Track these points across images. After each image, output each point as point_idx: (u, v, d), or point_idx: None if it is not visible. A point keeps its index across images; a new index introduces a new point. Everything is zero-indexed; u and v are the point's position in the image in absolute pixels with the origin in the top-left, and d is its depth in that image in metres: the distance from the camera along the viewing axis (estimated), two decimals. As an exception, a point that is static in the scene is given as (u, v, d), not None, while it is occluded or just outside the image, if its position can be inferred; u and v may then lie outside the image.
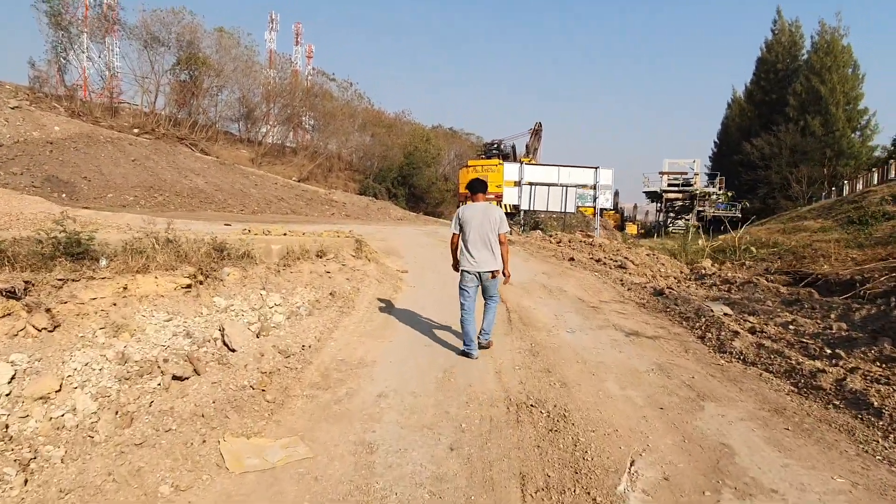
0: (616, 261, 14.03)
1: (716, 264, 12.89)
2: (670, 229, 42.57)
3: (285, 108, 49.74)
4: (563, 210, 24.48)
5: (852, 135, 47.01)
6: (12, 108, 32.17)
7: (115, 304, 5.36)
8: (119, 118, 42.34)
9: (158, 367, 4.59)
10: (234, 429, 3.98)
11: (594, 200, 25.99)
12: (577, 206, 25.59)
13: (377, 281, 9.48)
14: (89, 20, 43.25)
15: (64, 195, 27.00)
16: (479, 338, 6.00)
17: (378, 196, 46.91)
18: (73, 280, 5.40)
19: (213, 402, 4.35)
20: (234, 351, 5.34)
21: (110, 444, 3.63)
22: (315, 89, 52.77)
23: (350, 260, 9.49)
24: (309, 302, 7.27)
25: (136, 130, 40.03)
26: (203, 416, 4.13)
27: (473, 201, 5.91)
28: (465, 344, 5.90)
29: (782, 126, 47.16)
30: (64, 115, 37.73)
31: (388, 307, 8.12)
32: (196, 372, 4.76)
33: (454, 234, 5.89)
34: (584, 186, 25.31)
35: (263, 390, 4.63)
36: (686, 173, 42.47)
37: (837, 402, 4.63)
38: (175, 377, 4.58)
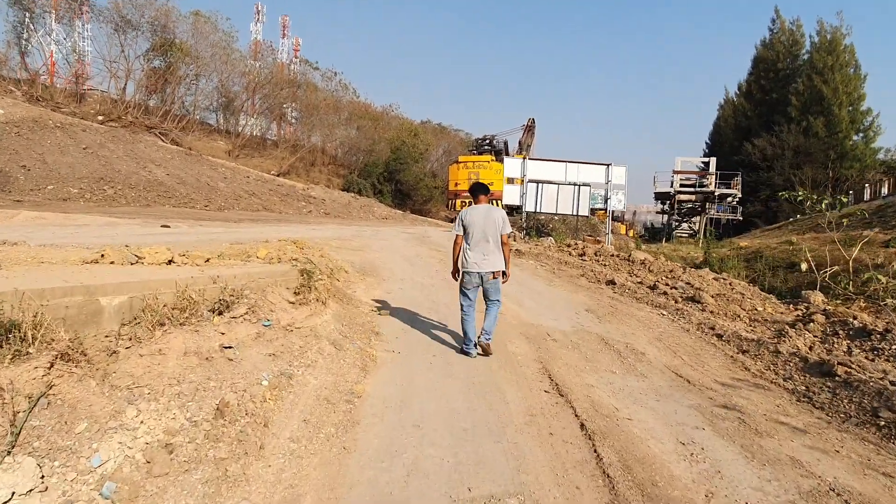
0: (677, 287, 9.77)
1: (829, 299, 8.67)
2: (675, 233, 38.53)
3: (266, 98, 44.79)
4: (574, 213, 20.11)
5: (855, 136, 43.30)
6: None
7: None
8: (85, 105, 37.46)
9: None
10: None
11: (605, 202, 21.70)
12: (591, 209, 21.26)
13: (334, 348, 5.08)
14: (58, 0, 38.43)
15: (-5, 186, 22.20)
16: (479, 338, 5.57)
17: (363, 192, 42.23)
18: None
19: None
20: None
21: None
22: (297, 79, 47.81)
23: (285, 309, 5.06)
24: (142, 452, 2.87)
25: (100, 118, 35.09)
26: None
27: (476, 203, 5.67)
28: (464, 344, 5.61)
29: (784, 126, 43.30)
30: (21, 99, 32.85)
31: (340, 433, 3.74)
32: None
33: (458, 235, 5.60)
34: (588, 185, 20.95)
35: None
36: (702, 173, 37.89)
37: None
38: None
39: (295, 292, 5.49)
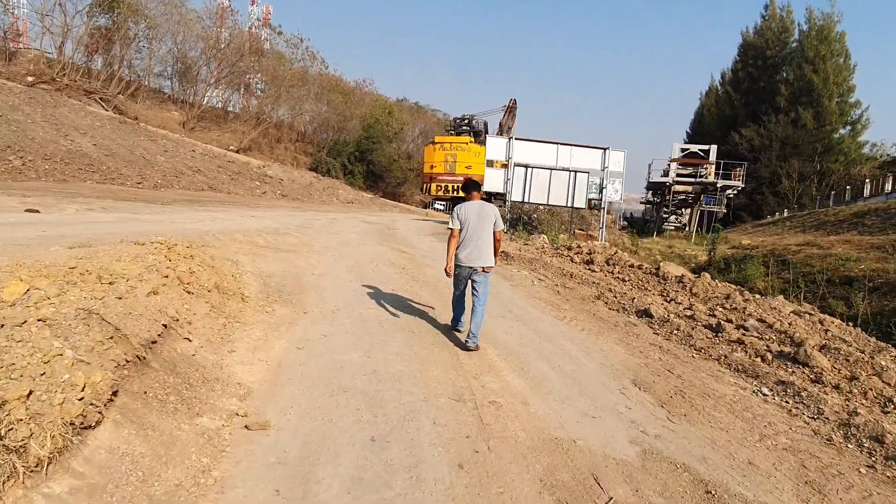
0: (748, 328, 6.35)
1: None
2: (664, 227, 35.41)
3: (226, 65, 39.94)
4: (570, 205, 16.63)
5: (842, 129, 40.65)
6: None
7: None
8: (16, 64, 32.39)
9: None
10: None
11: (600, 191, 18.27)
12: (589, 201, 17.71)
13: None
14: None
15: None
16: (466, 340, 5.16)
17: (332, 172, 38.01)
18: None
19: None
20: None
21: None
22: (262, 46, 42.93)
23: None
24: None
25: (30, 79, 30.18)
26: None
27: (469, 199, 5.51)
28: (456, 322, 5.67)
29: (771, 116, 40.41)
30: (-63, 56, 27.89)
31: None
32: None
33: (455, 229, 5.35)
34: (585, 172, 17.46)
35: None
36: (703, 161, 34.23)
37: None
38: None
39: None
